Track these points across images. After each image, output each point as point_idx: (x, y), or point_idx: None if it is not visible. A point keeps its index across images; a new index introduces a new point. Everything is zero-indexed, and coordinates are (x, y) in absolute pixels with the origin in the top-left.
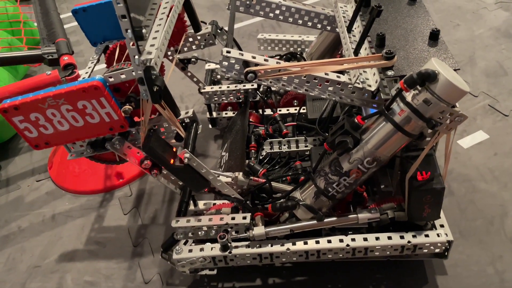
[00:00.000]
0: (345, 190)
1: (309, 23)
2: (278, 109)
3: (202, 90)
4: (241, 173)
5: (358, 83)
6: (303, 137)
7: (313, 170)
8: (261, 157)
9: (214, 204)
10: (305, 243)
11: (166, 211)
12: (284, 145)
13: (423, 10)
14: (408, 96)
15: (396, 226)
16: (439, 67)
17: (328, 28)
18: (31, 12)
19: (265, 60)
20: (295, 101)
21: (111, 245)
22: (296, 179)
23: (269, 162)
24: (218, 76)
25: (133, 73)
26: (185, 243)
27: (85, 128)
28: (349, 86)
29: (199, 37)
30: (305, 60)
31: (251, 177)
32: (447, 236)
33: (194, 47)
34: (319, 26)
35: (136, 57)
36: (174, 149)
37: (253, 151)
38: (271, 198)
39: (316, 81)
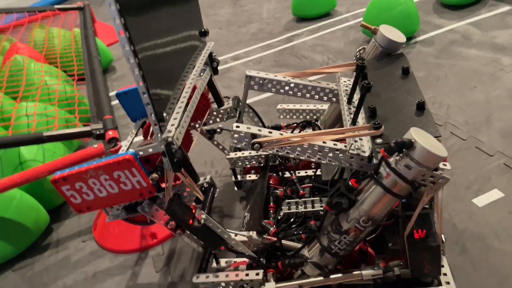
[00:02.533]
0: (346, 248)
1: (316, 96)
2: (296, 171)
3: (227, 157)
4: (254, 232)
5: (353, 150)
6: (318, 198)
7: (318, 229)
8: (279, 217)
9: (235, 262)
10: None
11: (194, 268)
12: (301, 205)
13: (413, 82)
14: (392, 161)
15: (403, 284)
16: (416, 135)
17: (334, 100)
18: (85, 93)
19: (270, 132)
20: (313, 164)
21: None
22: (308, 237)
23: (286, 221)
24: None
25: (158, 148)
26: None
27: (120, 194)
28: (347, 152)
29: (222, 111)
30: (319, 127)
31: (264, 236)
32: None
33: (218, 119)
34: (325, 98)
35: (159, 135)
36: (194, 211)
37: (271, 211)
38: (284, 256)
39: (316, 149)
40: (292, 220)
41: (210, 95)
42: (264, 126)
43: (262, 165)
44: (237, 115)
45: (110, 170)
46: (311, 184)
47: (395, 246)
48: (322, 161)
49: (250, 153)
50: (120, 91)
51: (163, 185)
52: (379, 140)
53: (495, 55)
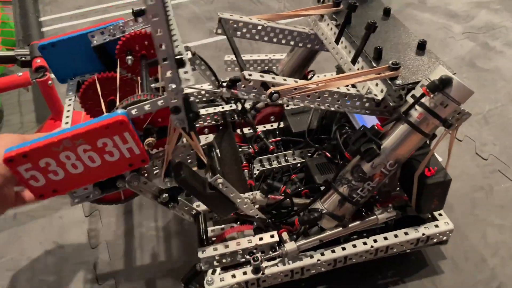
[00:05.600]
0: (368, 194)
1: (292, 42)
2: (256, 127)
3: None
4: (258, 192)
5: (368, 94)
6: (291, 151)
7: (333, 180)
8: (254, 175)
9: (224, 228)
10: (333, 251)
11: (124, 211)
12: (273, 161)
13: (399, 22)
14: (425, 100)
15: (397, 223)
16: (447, 72)
17: (309, 46)
18: (11, 13)
19: (284, 80)
20: (272, 117)
21: (69, 247)
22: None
23: (264, 179)
24: None
25: (159, 103)
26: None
27: (102, 168)
28: (364, 98)
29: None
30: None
31: (269, 195)
32: (449, 224)
33: None
34: (300, 44)
35: (174, 86)
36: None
37: (246, 170)
38: (287, 214)
39: (336, 97)
40: (270, 176)
41: None
42: (218, 81)
43: (219, 123)
44: (240, 65)
45: (93, 138)
46: (279, 138)
47: (386, 188)
48: (340, 110)
49: (206, 110)
50: (44, 42)
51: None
52: (398, 81)
53: (447, 22)
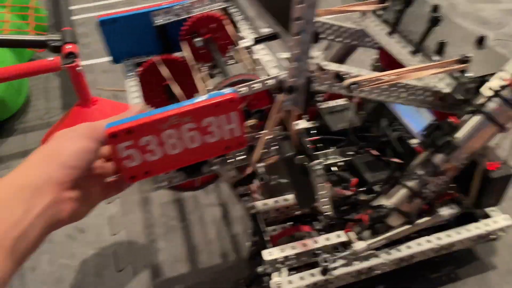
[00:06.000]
0: (438, 189)
1: (339, 39)
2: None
3: None
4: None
5: (435, 88)
6: (331, 150)
7: (401, 175)
8: None
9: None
10: (398, 250)
11: (145, 201)
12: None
13: (448, 19)
14: (504, 92)
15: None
16: None
17: (354, 42)
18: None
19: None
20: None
21: (90, 232)
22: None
23: None
24: None
25: (269, 82)
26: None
27: (199, 150)
28: (431, 91)
29: None
30: None
31: (334, 188)
32: (508, 219)
33: None
34: (348, 40)
35: (299, 63)
36: None
37: None
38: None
39: (412, 90)
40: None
41: None
42: None
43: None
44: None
45: (201, 116)
46: (317, 137)
47: None
48: (412, 105)
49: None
50: (106, 17)
51: None
52: (470, 74)
53: (478, 28)
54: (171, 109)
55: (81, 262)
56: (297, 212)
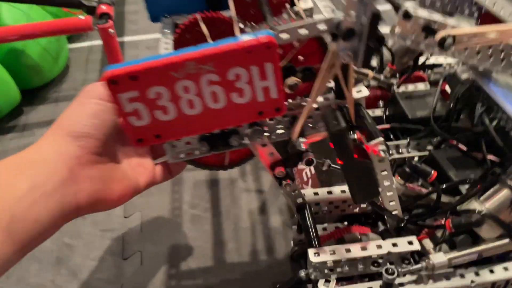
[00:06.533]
0: None
1: None
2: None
3: None
4: (394, 178)
5: None
6: (405, 141)
7: (501, 174)
8: None
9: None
10: (491, 271)
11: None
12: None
13: None
14: None
15: None
16: None
17: None
18: None
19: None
20: (381, 101)
21: (101, 213)
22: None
23: None
24: None
25: (320, 26)
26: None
27: (224, 112)
28: None
29: None
30: None
31: (407, 184)
32: None
33: None
34: None
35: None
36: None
37: None
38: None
39: None
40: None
41: None
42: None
43: None
44: None
45: (226, 64)
46: (388, 125)
47: None
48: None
49: None
50: None
51: None
52: None
53: None
54: (187, 52)
55: (86, 243)
56: (356, 210)
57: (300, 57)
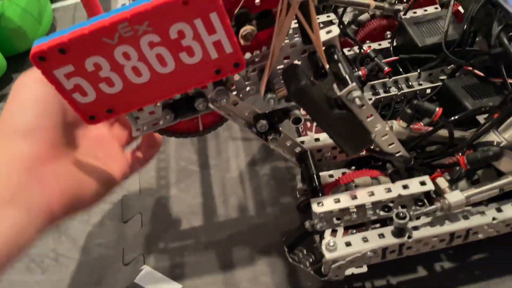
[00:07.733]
0: None
1: None
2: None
3: None
4: (395, 121)
5: None
6: (415, 73)
7: None
8: None
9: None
10: None
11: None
12: (390, 87)
13: None
14: None
15: None
16: None
17: None
18: None
19: None
20: (388, 32)
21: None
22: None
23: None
24: None
25: None
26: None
27: (177, 75)
28: None
29: None
30: None
31: (412, 125)
32: None
33: None
34: None
35: None
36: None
37: None
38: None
39: None
40: (392, 107)
41: None
42: None
43: None
44: None
45: (164, 21)
46: (396, 57)
47: None
48: None
49: None
50: None
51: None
52: None
53: None
54: (117, 13)
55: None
56: (363, 152)
57: (257, 1)
